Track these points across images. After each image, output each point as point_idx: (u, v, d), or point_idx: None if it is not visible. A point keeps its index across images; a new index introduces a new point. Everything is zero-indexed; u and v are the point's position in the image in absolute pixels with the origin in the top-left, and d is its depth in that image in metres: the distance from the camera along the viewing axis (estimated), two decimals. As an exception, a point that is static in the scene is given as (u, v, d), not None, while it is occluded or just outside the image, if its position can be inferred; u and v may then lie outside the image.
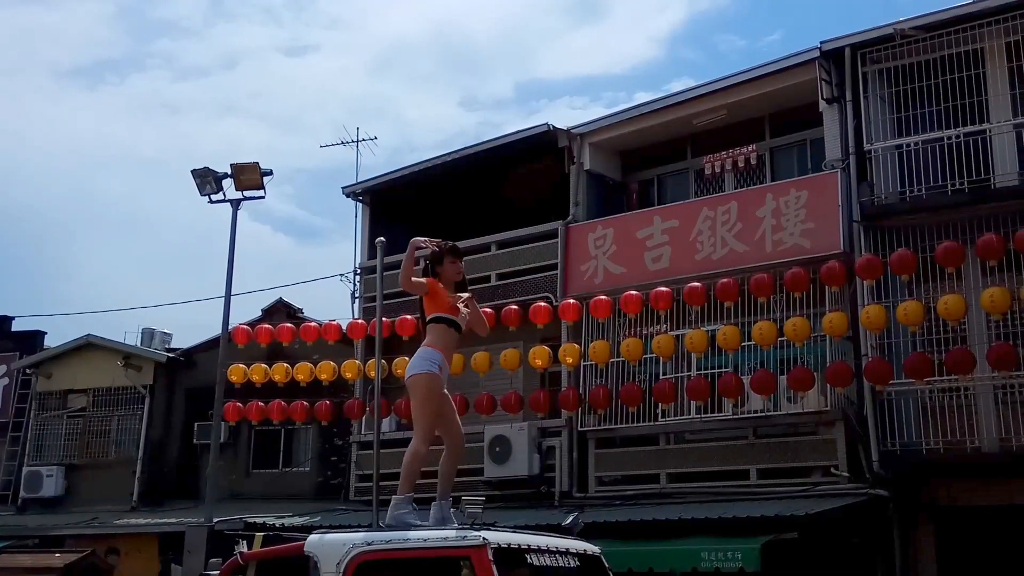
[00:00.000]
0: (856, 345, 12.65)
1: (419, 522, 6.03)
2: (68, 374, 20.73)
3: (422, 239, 6.68)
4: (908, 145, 12.80)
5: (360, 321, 16.81)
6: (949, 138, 12.42)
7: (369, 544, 5.63)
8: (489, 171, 17.38)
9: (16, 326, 22.30)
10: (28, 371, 21.05)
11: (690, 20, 61.27)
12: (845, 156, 13.16)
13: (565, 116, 79.87)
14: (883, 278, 12.30)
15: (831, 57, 13.41)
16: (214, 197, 16.20)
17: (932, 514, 12.09)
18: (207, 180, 16.11)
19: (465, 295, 6.79)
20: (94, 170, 56.18)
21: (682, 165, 16.11)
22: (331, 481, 17.86)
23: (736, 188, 14.92)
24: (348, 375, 16.60)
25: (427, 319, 6.62)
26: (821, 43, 13.41)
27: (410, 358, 6.66)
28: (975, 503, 11.80)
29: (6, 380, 21.28)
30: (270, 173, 16.03)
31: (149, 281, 51.20)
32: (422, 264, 6.87)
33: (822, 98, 13.45)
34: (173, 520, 17.26)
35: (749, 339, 12.90)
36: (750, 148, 14.98)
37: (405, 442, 6.48)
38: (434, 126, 62.75)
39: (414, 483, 6.25)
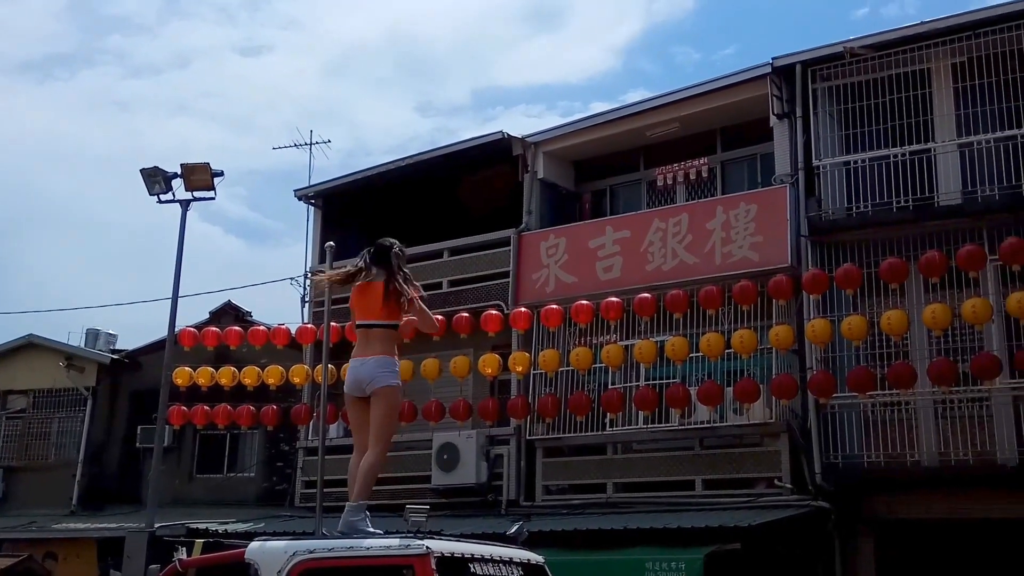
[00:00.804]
0: (801, 358, 12.81)
1: (373, 530, 5.99)
2: (8, 374, 20.32)
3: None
4: (855, 162, 13.02)
5: (309, 326, 16.68)
6: (895, 156, 12.65)
7: (311, 552, 5.58)
8: (443, 177, 17.37)
9: (-45, 325, 21.82)
10: (-32, 371, 20.59)
11: (647, 31, 61.88)
12: (794, 171, 13.34)
13: (521, 124, 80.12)
14: (829, 292, 12.47)
15: (782, 73, 13.60)
16: (163, 197, 15.94)
17: (873, 526, 12.27)
18: (156, 180, 15.85)
19: (417, 294, 6.75)
20: (41, 166, 55.18)
21: (635, 176, 16.23)
22: (276, 487, 17.69)
23: (687, 200, 15.06)
24: (296, 380, 16.45)
25: (387, 323, 6.55)
26: (773, 59, 13.59)
27: (353, 354, 6.64)
28: (915, 516, 11.98)
29: (-57, 379, 20.77)
30: (221, 174, 15.82)
31: (95, 281, 50.41)
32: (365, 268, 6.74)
33: (773, 113, 13.63)
34: (113, 525, 16.98)
35: (697, 350, 13.01)
36: (702, 161, 15.14)
37: (351, 448, 6.44)
38: (388, 131, 62.62)
39: (370, 491, 6.23)
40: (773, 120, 13.67)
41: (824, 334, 12.11)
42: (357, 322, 6.65)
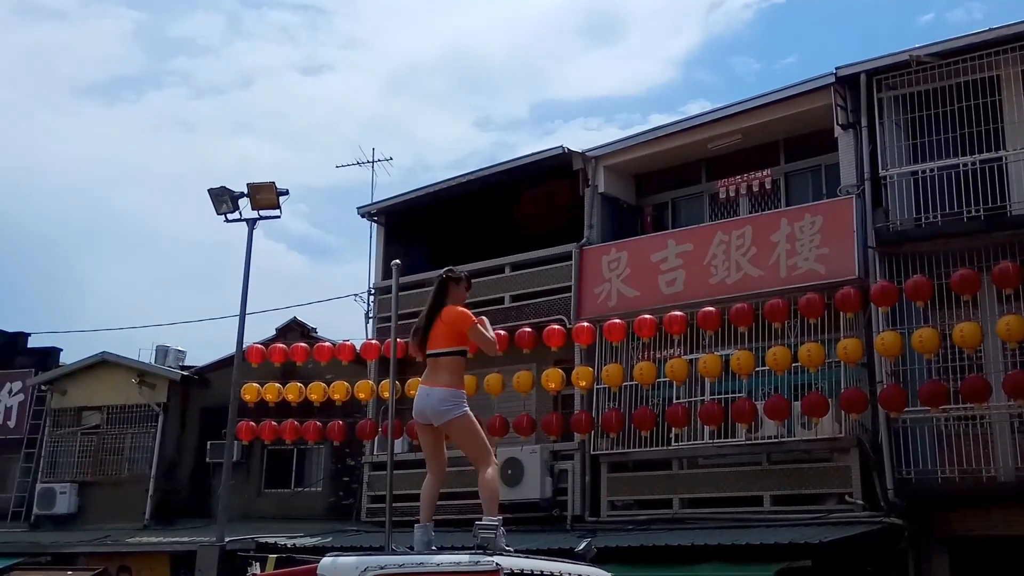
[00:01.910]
0: (871, 372, 12.60)
1: (507, 547, 5.98)
2: (83, 391, 20.82)
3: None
4: (924, 171, 12.79)
5: (374, 342, 16.85)
6: (965, 165, 12.41)
7: (382, 567, 5.63)
8: (503, 193, 17.46)
9: (32, 342, 22.45)
10: (43, 388, 21.15)
11: (706, 43, 61.52)
12: (860, 182, 13.16)
13: (579, 137, 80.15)
14: (898, 305, 12.26)
15: (846, 83, 13.43)
16: (230, 216, 16.28)
17: (947, 544, 11.99)
18: (223, 199, 16.18)
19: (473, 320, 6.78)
20: (110, 187, 56.63)
21: (696, 189, 16.14)
22: (343, 502, 17.86)
23: (751, 212, 14.93)
24: (361, 395, 16.62)
25: (453, 350, 6.61)
26: (836, 69, 13.43)
27: (422, 379, 6.68)
28: (990, 533, 11.70)
29: (21, 396, 21.37)
30: (286, 193, 16.10)
31: (164, 298, 51.48)
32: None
33: (837, 124, 13.46)
34: (185, 539, 17.27)
35: (763, 364, 12.87)
36: (765, 172, 15.00)
37: (417, 463, 6.52)
38: (447, 146, 63.07)
39: (496, 506, 6.27)
40: (837, 130, 13.50)
41: (894, 347, 11.90)
42: (428, 351, 6.72)
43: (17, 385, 21.52)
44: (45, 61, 57.14)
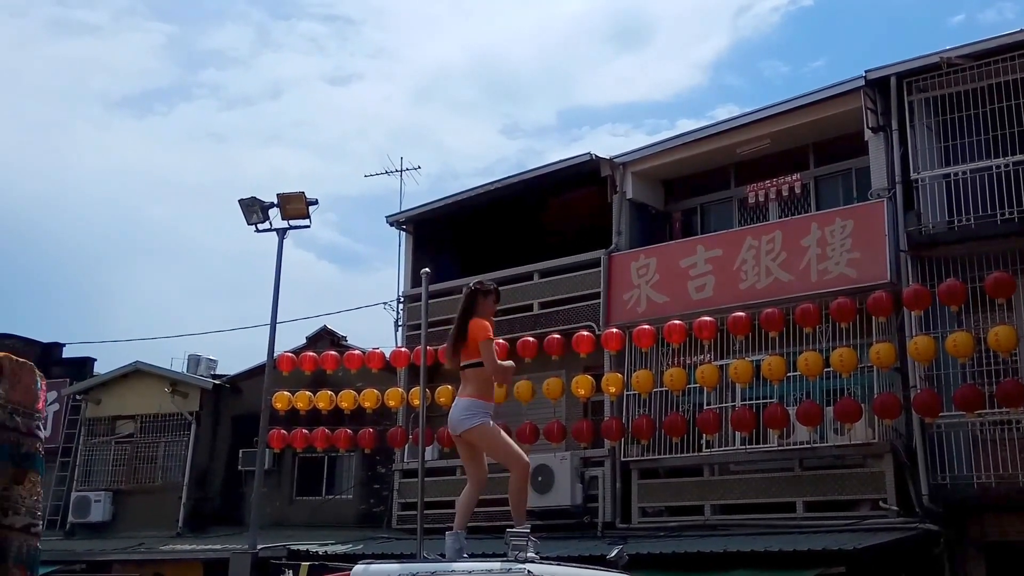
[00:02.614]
0: (904, 376, 12.48)
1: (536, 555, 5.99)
2: (116, 400, 21.05)
3: None
4: (956, 174, 12.67)
5: (403, 349, 16.90)
6: (998, 167, 12.28)
7: (414, 575, 5.64)
8: (531, 199, 17.47)
9: (67, 353, 22.72)
10: (78, 397, 21.41)
11: (734, 46, 61.31)
12: (891, 185, 13.05)
13: (607, 143, 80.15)
14: (931, 308, 12.14)
15: (876, 86, 13.33)
16: (261, 226, 16.40)
17: (984, 549, 11.84)
18: (254, 209, 16.31)
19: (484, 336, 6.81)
20: (142, 198, 57.27)
21: (725, 194, 16.07)
22: (374, 509, 17.91)
23: (780, 217, 14.85)
24: (391, 403, 16.68)
25: (477, 362, 6.61)
26: (866, 72, 13.34)
27: (452, 387, 6.72)
28: (1029, 539, 11.54)
29: (56, 406, 21.62)
30: (315, 203, 16.20)
31: (195, 308, 51.95)
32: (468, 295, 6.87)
33: (867, 127, 13.37)
34: (218, 547, 17.39)
35: (795, 369, 12.79)
36: (794, 177, 14.91)
37: (447, 471, 6.55)
38: (475, 153, 63.25)
39: (524, 512, 6.34)
40: (868, 134, 13.40)
41: (928, 351, 11.78)
42: (459, 364, 6.76)
43: (52, 395, 21.73)
44: (79, 75, 57.98)
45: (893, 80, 13.10)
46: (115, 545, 19.11)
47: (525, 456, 6.65)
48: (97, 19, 59.83)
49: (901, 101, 13.09)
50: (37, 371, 4.83)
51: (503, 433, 6.73)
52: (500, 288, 7.27)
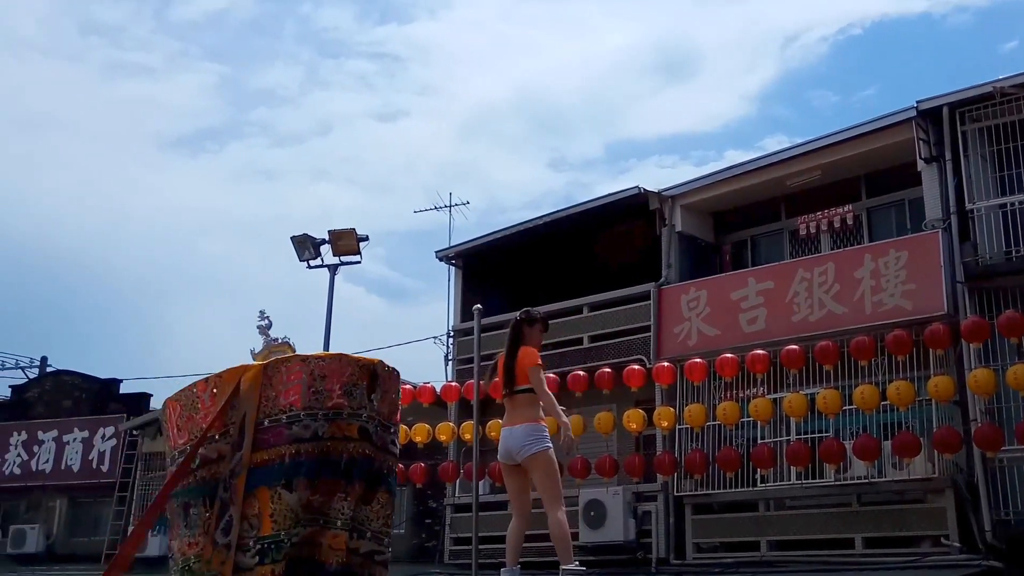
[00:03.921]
0: (964, 410, 12.25)
1: None
2: (171, 435, 21.29)
3: None
4: (1012, 204, 12.49)
5: (454, 384, 16.95)
6: (1056, 196, 12.08)
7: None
8: (580, 233, 17.50)
9: (124, 388, 23.11)
10: (134, 432, 21.71)
11: (782, 77, 61.13)
12: (946, 215, 12.90)
13: (654, 175, 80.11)
14: (990, 340, 11.93)
15: (928, 116, 13.22)
16: (312, 263, 16.64)
17: (1051, 587, 11.53)
18: (306, 246, 16.57)
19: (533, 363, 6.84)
20: (195, 234, 58.35)
21: (776, 226, 15.99)
22: (425, 544, 17.91)
23: (832, 249, 14.72)
24: (442, 437, 16.70)
25: (528, 388, 6.63)
26: (917, 102, 13.24)
27: (503, 421, 6.74)
28: (1097, 576, 11.22)
29: (114, 441, 21.98)
30: (366, 239, 16.42)
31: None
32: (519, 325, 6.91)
33: (920, 157, 13.25)
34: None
35: (850, 403, 12.61)
36: (846, 208, 14.80)
37: (499, 505, 6.58)
38: (522, 188, 63.56)
39: (571, 551, 6.33)
40: (921, 164, 13.28)
41: (988, 384, 11.57)
42: (504, 391, 6.76)
43: (110, 430, 22.15)
44: (134, 116, 59.41)
45: (945, 110, 12.99)
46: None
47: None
48: (152, 61, 61.41)
49: (954, 131, 12.97)
50: (400, 378, 4.71)
51: (557, 467, 6.70)
52: (550, 321, 7.30)
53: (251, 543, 4.23)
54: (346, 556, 4.42)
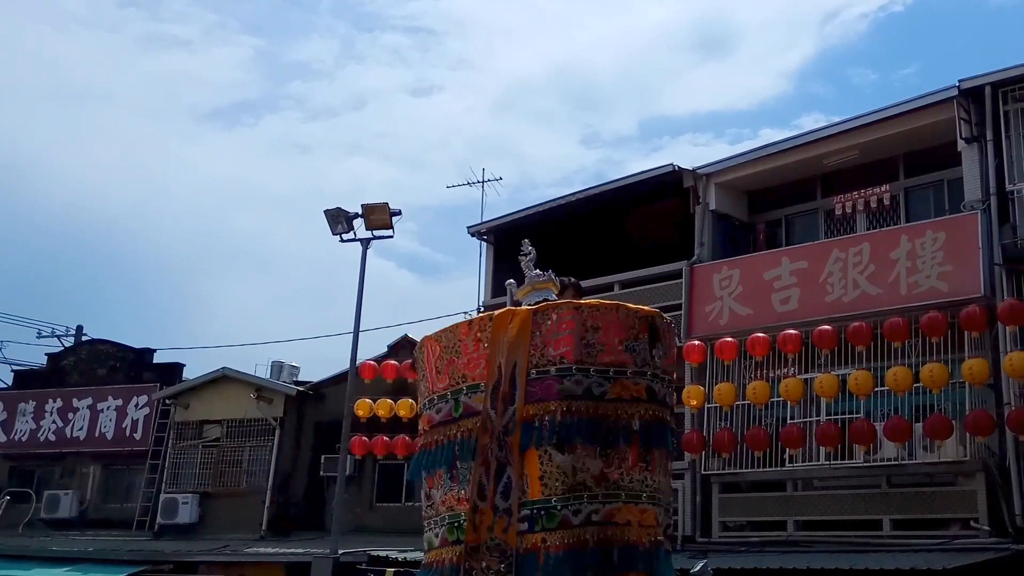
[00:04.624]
0: (998, 393, 12.11)
1: None
2: (204, 405, 21.56)
3: None
4: (1054, 185, 12.28)
5: (484, 359, 16.98)
6: (1099, 178, 11.87)
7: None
8: (612, 210, 17.43)
9: (158, 358, 23.36)
10: (167, 402, 21.97)
11: (820, 54, 60.39)
12: (986, 197, 12.71)
13: (688, 153, 79.60)
14: (1027, 323, 11.77)
15: (970, 95, 13.01)
16: (345, 236, 16.69)
17: (1083, 574, 11.40)
18: (339, 220, 16.62)
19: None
20: (230, 207, 58.78)
21: (811, 205, 15.83)
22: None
23: (868, 229, 14.56)
24: (471, 412, 16.75)
25: None
26: (959, 81, 13.03)
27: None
28: None
29: (147, 410, 22.23)
30: (399, 213, 16.45)
31: (279, 315, 52.98)
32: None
33: (960, 137, 13.05)
34: (300, 550, 17.68)
35: (882, 384, 12.50)
36: (883, 188, 14.61)
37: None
38: (554, 164, 63.37)
39: None
40: (961, 144, 13.08)
41: (1023, 368, 11.42)
42: None
43: (143, 399, 22.41)
44: (170, 88, 59.81)
45: (988, 89, 12.78)
46: (201, 547, 19.54)
47: None
48: (188, 33, 61.74)
49: (996, 110, 12.76)
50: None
51: None
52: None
53: (518, 508, 3.88)
54: (659, 533, 4.06)
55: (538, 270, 5.21)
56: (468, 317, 18.36)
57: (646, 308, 4.17)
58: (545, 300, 4.63)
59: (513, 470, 3.89)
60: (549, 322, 4.04)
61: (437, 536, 4.23)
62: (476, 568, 3.91)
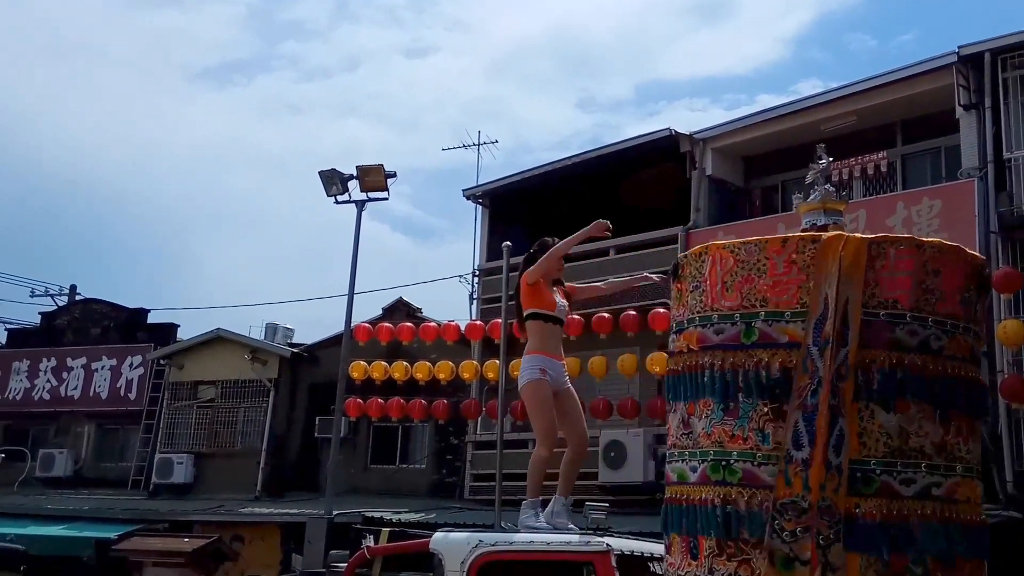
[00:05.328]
0: (991, 361, 12.15)
1: (542, 525, 6.05)
2: (199, 366, 21.58)
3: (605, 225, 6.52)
4: (1052, 153, 12.25)
5: (478, 322, 16.96)
6: (1097, 146, 11.84)
7: (493, 544, 5.70)
8: (609, 175, 17.37)
9: (152, 318, 23.33)
10: (162, 362, 21.98)
11: (819, 20, 59.96)
12: (983, 164, 12.68)
13: (684, 118, 79.23)
14: (1022, 292, 11.79)
15: (969, 62, 12.93)
16: (340, 198, 16.58)
17: (1070, 540, 11.52)
18: (333, 181, 16.47)
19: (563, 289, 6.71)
20: (223, 168, 58.48)
21: (808, 171, 15.75)
22: (446, 479, 18.13)
23: (865, 196, 14.53)
24: (466, 375, 16.75)
25: (524, 315, 6.51)
26: (959, 48, 12.95)
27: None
28: (1118, 531, 11.20)
29: (141, 370, 22.25)
30: (394, 175, 16.29)
31: (273, 277, 52.93)
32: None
33: (959, 104, 12.99)
34: (294, 511, 17.79)
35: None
36: (880, 155, 14.57)
37: (520, 443, 6.60)
38: (550, 128, 63.06)
39: (539, 488, 6.24)
40: (959, 111, 13.03)
41: (1016, 336, 11.46)
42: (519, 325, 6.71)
43: (137, 359, 22.42)
44: (162, 46, 59.25)
45: (987, 56, 12.70)
46: (196, 506, 19.65)
47: (552, 441, 6.20)
48: (181, -8, 60.99)
49: (995, 78, 12.70)
50: None
51: (548, 402, 6.24)
52: (578, 264, 7.21)
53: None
54: (983, 512, 3.77)
55: (829, 184, 4.68)
56: (463, 280, 18.44)
57: (975, 254, 3.72)
58: (835, 224, 4.17)
59: (845, 422, 3.42)
60: (885, 258, 3.58)
61: (694, 471, 3.89)
62: (790, 526, 3.48)
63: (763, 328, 3.66)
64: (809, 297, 3.57)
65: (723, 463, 3.69)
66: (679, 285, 4.35)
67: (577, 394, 6.62)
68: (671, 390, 4.18)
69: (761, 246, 3.82)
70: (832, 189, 4.61)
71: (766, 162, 16.13)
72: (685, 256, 4.47)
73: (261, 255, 57.23)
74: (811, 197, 4.59)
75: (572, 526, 5.91)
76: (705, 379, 3.78)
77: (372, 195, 16.47)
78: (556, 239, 6.74)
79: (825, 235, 3.77)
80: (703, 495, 3.83)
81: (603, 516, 5.79)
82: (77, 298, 25.78)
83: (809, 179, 4.51)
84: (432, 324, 17.53)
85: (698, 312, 3.97)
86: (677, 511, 4.18)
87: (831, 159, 4.54)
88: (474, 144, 19.92)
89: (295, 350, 20.95)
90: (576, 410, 6.50)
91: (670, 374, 4.14)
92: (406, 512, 16.37)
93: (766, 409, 3.54)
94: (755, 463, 3.60)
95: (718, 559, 3.72)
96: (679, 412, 4.02)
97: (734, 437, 3.66)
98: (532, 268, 6.48)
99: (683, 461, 4.02)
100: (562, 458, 6.39)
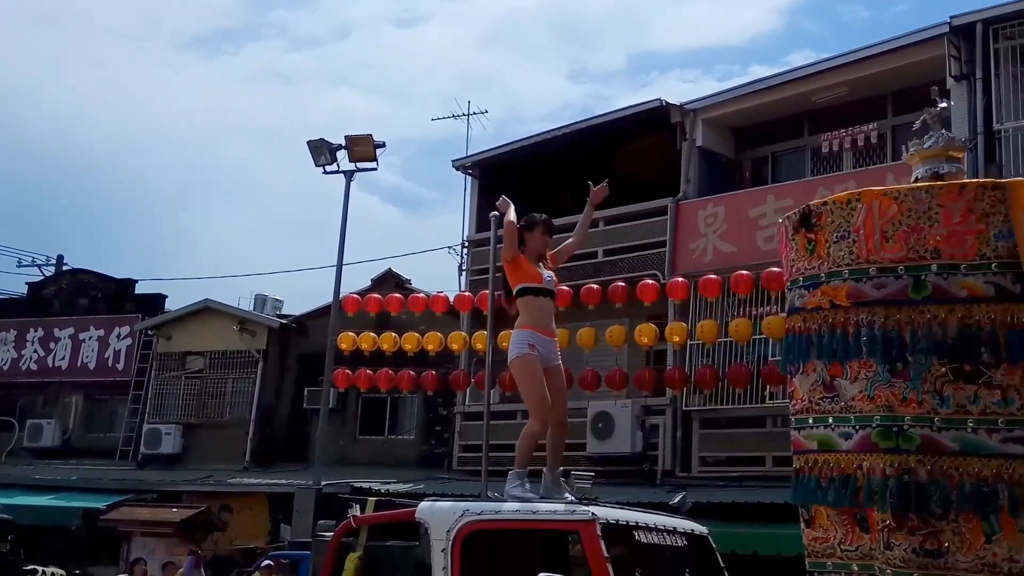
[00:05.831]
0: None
1: (528, 495, 6.03)
2: (187, 336, 21.51)
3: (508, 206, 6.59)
4: (1042, 125, 12.23)
5: (467, 294, 16.95)
6: (1087, 118, 11.82)
7: (479, 513, 5.68)
8: (599, 145, 17.28)
9: (139, 289, 23.22)
10: (150, 332, 21.91)
11: (809, -8, 59.58)
12: (973, 136, 12.64)
13: (676, 89, 78.96)
14: (1010, 264, 11.81)
15: (961, 33, 12.87)
16: (328, 168, 16.49)
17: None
18: (322, 151, 16.39)
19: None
20: (212, 138, 58.08)
21: (798, 143, 15.74)
22: (434, 450, 18.16)
23: (855, 167, 14.50)
24: (454, 347, 16.77)
25: (513, 291, 6.47)
26: (951, 18, 12.88)
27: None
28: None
29: (129, 341, 22.17)
30: (383, 145, 16.22)
31: (262, 248, 52.75)
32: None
33: (950, 75, 12.93)
34: (283, 481, 17.81)
35: (864, 323, 12.54)
36: (871, 126, 14.53)
37: (509, 414, 6.59)
38: (541, 98, 62.76)
39: (528, 460, 6.23)
40: (950, 82, 12.97)
41: (1004, 308, 11.47)
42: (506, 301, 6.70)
43: (125, 330, 22.34)
44: (151, 13, 58.61)
45: (979, 27, 12.64)
46: (184, 476, 19.67)
47: (544, 415, 6.17)
48: (169, -41, 60.30)
49: (987, 49, 12.64)
50: None
51: (538, 376, 6.21)
52: (567, 236, 7.15)
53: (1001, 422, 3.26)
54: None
55: (946, 130, 4.32)
56: (452, 251, 18.35)
57: None
58: (958, 171, 3.94)
59: None
60: None
61: (847, 437, 3.60)
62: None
63: (936, 282, 3.39)
64: (1001, 246, 3.31)
65: (894, 428, 3.40)
66: (811, 235, 3.90)
67: (565, 365, 6.59)
68: (795, 350, 3.85)
69: (933, 193, 3.52)
70: (952, 136, 4.26)
71: (756, 133, 16.07)
72: (825, 203, 4.02)
73: (250, 226, 57.04)
74: (928, 144, 4.20)
75: (569, 496, 5.88)
76: (863, 338, 3.49)
77: (361, 165, 16.41)
78: (539, 216, 6.71)
79: (1009, 180, 3.53)
80: (867, 464, 3.54)
81: (589, 486, 5.78)
82: (64, 268, 25.64)
83: (918, 125, 4.18)
84: (421, 295, 17.52)
85: (847, 264, 3.65)
86: (818, 481, 3.85)
87: (945, 102, 4.29)
88: (464, 114, 19.82)
89: (284, 321, 20.90)
90: (561, 392, 6.47)
91: (797, 332, 3.77)
92: (394, 483, 16.41)
93: (943, 370, 3.27)
94: (934, 428, 3.34)
95: (897, 533, 3.47)
96: (815, 374, 3.70)
97: (906, 400, 3.39)
98: (502, 246, 6.43)
99: (828, 428, 3.70)
100: (549, 436, 6.39)
